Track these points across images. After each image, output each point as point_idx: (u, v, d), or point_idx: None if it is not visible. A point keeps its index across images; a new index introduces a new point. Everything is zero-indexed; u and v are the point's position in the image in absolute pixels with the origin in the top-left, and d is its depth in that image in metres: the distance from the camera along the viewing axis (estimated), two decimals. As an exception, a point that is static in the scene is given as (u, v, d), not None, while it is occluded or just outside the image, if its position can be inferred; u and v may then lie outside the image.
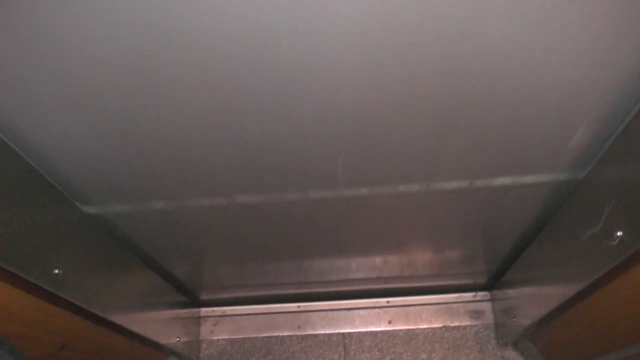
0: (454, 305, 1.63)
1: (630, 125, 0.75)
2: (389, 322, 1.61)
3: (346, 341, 1.59)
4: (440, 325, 1.60)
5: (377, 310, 1.64)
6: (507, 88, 0.71)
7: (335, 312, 1.64)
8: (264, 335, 1.62)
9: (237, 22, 0.58)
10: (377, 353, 1.56)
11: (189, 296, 1.57)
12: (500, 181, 0.96)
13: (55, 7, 0.55)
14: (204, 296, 1.61)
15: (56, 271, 0.78)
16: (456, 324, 1.60)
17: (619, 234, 0.75)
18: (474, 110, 0.76)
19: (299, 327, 1.62)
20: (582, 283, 0.89)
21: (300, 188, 0.97)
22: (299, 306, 1.65)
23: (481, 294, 1.63)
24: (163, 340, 1.27)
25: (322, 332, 1.61)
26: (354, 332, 1.61)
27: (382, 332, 1.60)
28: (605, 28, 0.61)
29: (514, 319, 1.35)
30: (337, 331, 1.61)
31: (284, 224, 1.13)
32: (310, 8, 0.57)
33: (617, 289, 0.83)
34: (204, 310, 1.67)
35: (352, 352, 1.57)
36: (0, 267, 0.66)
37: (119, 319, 1.00)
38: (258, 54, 0.63)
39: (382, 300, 1.64)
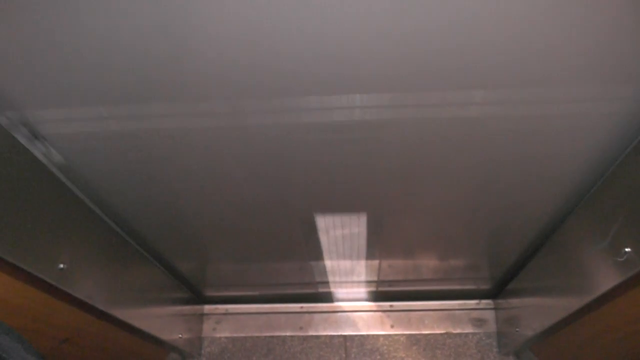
0: (456, 312, 1.62)
1: (641, 142, 0.74)
2: (391, 326, 1.61)
3: (347, 344, 1.59)
4: (443, 331, 1.59)
5: (380, 313, 1.63)
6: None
7: (338, 314, 1.64)
8: (265, 334, 1.62)
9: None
10: (378, 356, 1.55)
11: (193, 293, 1.57)
12: (509, 193, 0.96)
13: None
14: (207, 293, 1.61)
15: (61, 266, 0.79)
16: (458, 331, 1.59)
17: (626, 250, 0.74)
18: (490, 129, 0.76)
19: (301, 328, 1.62)
20: (587, 297, 0.89)
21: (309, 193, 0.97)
22: (301, 307, 1.65)
23: (485, 302, 1.62)
24: (165, 336, 1.27)
25: (324, 333, 1.61)
26: (356, 335, 1.60)
27: (384, 335, 1.60)
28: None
29: (517, 329, 1.34)
30: (339, 333, 1.61)
31: (290, 219, 1.13)
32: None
33: (622, 306, 0.82)
34: (207, 308, 1.68)
35: (353, 355, 1.56)
36: (5, 260, 0.66)
37: (121, 314, 1.00)
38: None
39: (385, 304, 1.64)
